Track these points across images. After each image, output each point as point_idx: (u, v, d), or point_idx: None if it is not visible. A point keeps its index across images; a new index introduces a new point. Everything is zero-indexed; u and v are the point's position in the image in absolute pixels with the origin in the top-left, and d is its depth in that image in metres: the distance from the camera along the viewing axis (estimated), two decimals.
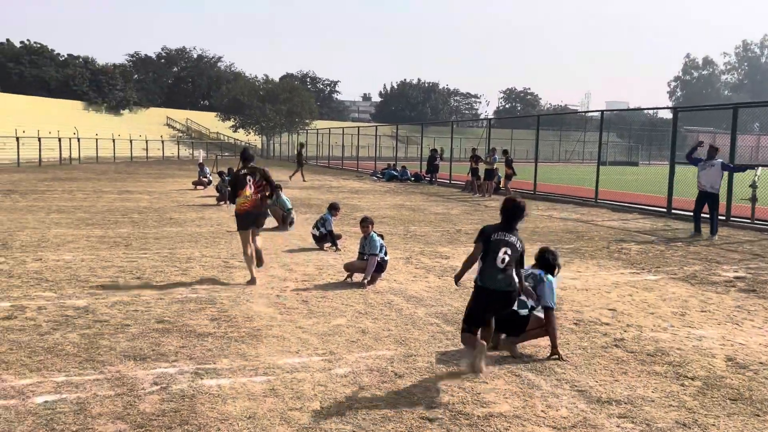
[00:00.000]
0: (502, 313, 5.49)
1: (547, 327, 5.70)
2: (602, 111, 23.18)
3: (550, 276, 5.88)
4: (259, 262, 8.51)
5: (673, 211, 17.38)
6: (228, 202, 10.33)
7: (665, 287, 8.64)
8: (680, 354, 5.86)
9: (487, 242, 5.35)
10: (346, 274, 8.62)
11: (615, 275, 9.39)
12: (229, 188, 9.04)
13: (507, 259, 5.25)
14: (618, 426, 4.34)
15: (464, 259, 5.64)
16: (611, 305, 7.58)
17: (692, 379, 5.24)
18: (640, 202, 20.10)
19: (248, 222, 8.45)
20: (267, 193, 8.61)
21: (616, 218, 17.00)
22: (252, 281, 8.25)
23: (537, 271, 5.91)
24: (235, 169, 9.33)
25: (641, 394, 4.89)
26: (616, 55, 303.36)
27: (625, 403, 4.70)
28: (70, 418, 4.25)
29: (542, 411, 4.55)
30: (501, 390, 4.92)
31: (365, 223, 8.74)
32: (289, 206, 13.49)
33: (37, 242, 10.89)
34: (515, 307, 5.59)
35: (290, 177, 30.21)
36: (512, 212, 5.40)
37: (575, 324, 6.76)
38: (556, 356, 5.63)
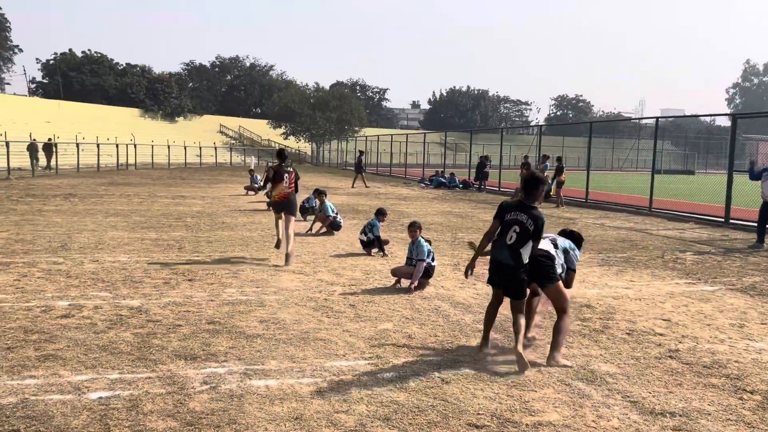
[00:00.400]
0: (509, 283, 5.70)
1: (568, 285, 5.94)
2: (657, 117, 22.65)
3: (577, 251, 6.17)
4: (288, 245, 10.01)
5: (731, 221, 16.83)
6: (266, 192, 12.10)
7: (723, 298, 8.35)
8: (738, 367, 5.65)
9: (502, 220, 5.77)
10: (393, 279, 8.62)
11: (670, 285, 9.13)
12: (268, 177, 10.68)
13: (515, 237, 5.58)
14: None
15: (483, 235, 6.04)
16: (665, 315, 7.37)
17: (751, 392, 5.05)
18: (697, 211, 19.53)
19: (281, 208, 10.46)
20: (294, 186, 10.60)
21: (672, 227, 16.55)
22: (277, 244, 10.56)
23: (568, 244, 6.10)
24: (273, 166, 10.77)
25: (697, 407, 4.72)
26: (672, 61, 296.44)
27: (680, 416, 4.55)
28: (122, 414, 4.35)
29: (593, 421, 4.44)
30: (550, 399, 4.82)
31: (413, 227, 8.75)
32: (329, 212, 13.46)
33: (94, 244, 11.23)
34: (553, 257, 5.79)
35: (365, 185, 30.64)
36: (529, 183, 5.76)
37: (628, 334, 6.59)
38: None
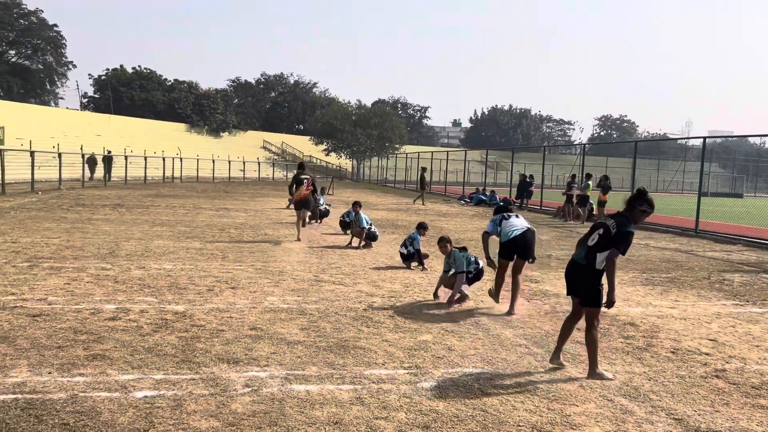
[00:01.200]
0: (581, 283, 5.65)
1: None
2: (704, 137, 22.21)
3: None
4: (304, 225, 14.62)
5: None
6: (292, 199, 15.51)
7: None
8: None
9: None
10: (433, 291, 8.63)
11: (716, 306, 8.91)
12: (293, 184, 14.77)
13: (596, 238, 5.55)
14: None
15: None
16: (712, 336, 7.20)
17: None
18: (746, 234, 19.03)
19: (301, 206, 14.49)
20: (312, 190, 14.59)
21: (719, 249, 16.16)
22: (298, 239, 13.97)
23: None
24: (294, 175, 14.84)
25: (744, 427, 4.61)
26: (720, 81, 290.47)
27: None
28: (167, 413, 4.45)
29: None
30: (592, 413, 4.76)
31: (442, 242, 8.79)
32: (363, 224, 13.49)
33: (141, 252, 11.51)
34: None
35: (414, 201, 31.34)
36: (633, 196, 5.66)
37: (672, 352, 6.46)
38: None
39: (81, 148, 38.76)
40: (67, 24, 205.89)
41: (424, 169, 33.06)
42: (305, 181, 14.25)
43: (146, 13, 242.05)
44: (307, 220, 15.04)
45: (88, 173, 37.85)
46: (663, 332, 7.25)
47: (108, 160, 39.21)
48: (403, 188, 50.35)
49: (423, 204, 30.34)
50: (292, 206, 23.81)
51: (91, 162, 38.42)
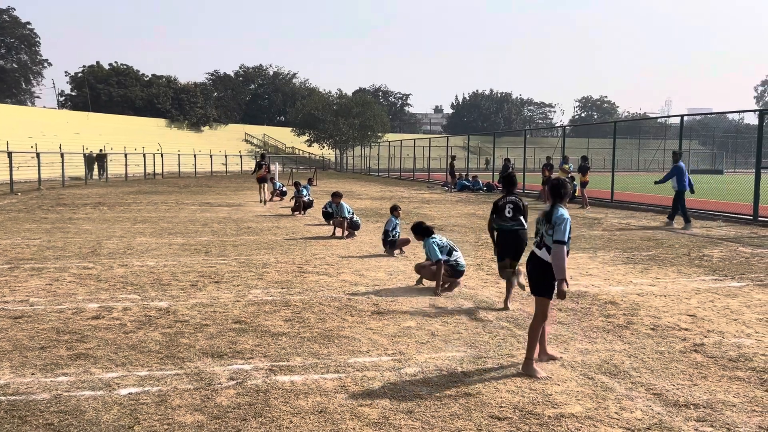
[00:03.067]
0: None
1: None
2: (682, 116, 22.35)
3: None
4: (264, 201, 22.03)
5: (760, 218, 16.58)
6: (271, 185, 22.96)
7: (750, 294, 8.26)
8: (765, 360, 5.59)
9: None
10: (415, 279, 8.67)
11: (696, 282, 9.05)
12: (255, 168, 23.13)
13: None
14: (696, 429, 4.19)
15: None
16: (691, 311, 7.32)
17: None
18: (725, 209, 19.26)
19: (260, 182, 22.29)
20: (267, 172, 22.82)
21: (699, 226, 16.36)
22: (260, 201, 22.21)
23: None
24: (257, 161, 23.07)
25: (722, 399, 4.70)
26: (699, 60, 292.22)
27: (704, 407, 4.54)
28: (152, 409, 4.46)
29: (615, 413, 4.44)
30: (573, 392, 4.84)
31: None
32: (345, 214, 13.44)
33: (123, 250, 11.45)
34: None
35: (448, 191, 31.87)
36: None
37: (652, 329, 6.56)
38: None
39: (60, 147, 38.38)
40: (41, 22, 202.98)
41: (453, 158, 33.02)
42: (263, 165, 22.48)
43: (121, 8, 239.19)
44: (267, 193, 22.45)
45: (91, 171, 38.17)
46: (643, 309, 7.36)
47: (101, 158, 39.37)
48: (387, 176, 50.38)
49: (451, 191, 30.59)
50: (276, 199, 24.04)
51: (89, 160, 38.30)
